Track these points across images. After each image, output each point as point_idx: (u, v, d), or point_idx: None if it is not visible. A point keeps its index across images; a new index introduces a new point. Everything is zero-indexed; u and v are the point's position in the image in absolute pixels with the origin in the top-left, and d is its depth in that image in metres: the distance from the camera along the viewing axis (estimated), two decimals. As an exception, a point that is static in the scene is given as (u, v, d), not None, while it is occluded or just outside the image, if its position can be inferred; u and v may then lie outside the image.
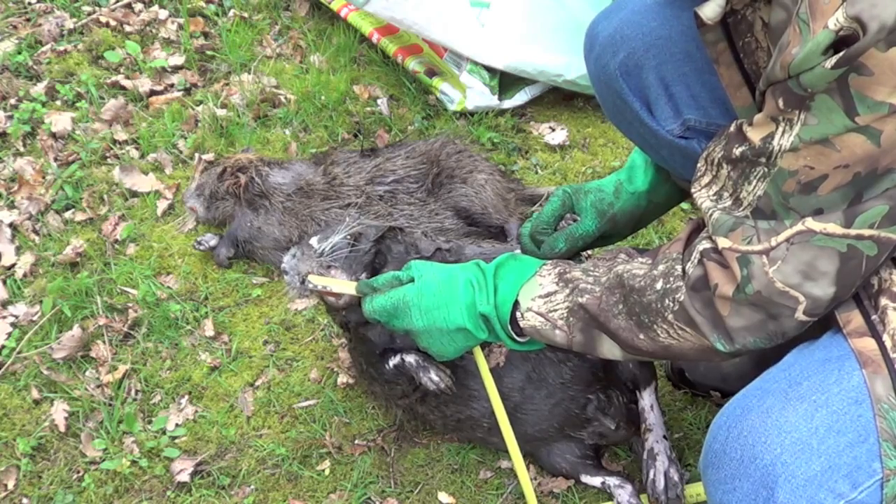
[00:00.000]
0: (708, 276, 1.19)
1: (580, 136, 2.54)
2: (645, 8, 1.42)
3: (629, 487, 1.71)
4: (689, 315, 1.21)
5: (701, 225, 1.29)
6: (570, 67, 2.48)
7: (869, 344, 1.16)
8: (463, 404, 1.73)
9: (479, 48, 2.47)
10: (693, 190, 1.27)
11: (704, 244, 1.21)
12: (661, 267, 1.27)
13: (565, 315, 1.35)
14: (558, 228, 1.65)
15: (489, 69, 2.52)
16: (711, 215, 1.21)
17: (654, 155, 1.54)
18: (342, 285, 1.59)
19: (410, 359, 1.67)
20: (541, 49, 2.48)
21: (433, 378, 1.64)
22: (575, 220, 1.63)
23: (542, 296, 1.37)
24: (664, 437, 1.69)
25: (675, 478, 1.65)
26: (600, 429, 1.72)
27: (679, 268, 1.24)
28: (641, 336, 1.28)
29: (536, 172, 2.44)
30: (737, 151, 1.16)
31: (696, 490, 1.69)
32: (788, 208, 1.11)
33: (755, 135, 1.12)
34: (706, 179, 1.25)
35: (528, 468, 1.82)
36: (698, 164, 1.27)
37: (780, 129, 1.08)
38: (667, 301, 1.23)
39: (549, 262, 1.43)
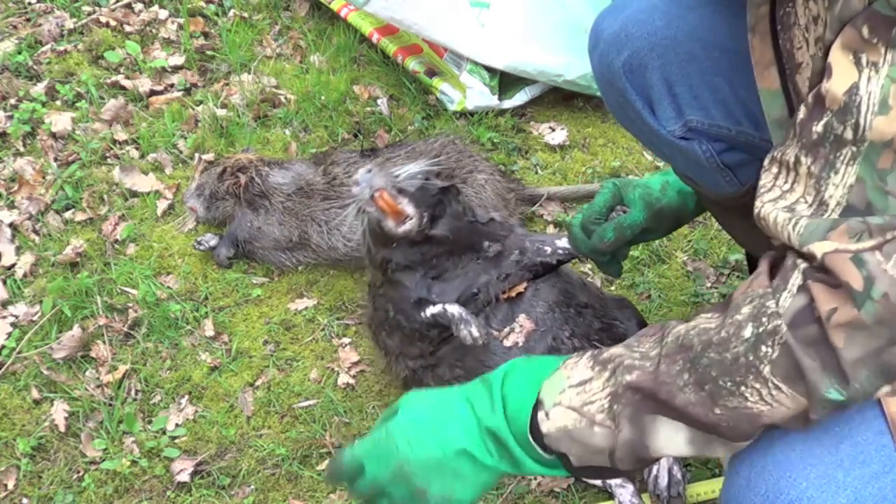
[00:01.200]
0: (815, 303, 0.95)
1: (580, 136, 2.54)
2: (650, 7, 1.42)
3: (630, 487, 1.71)
4: (796, 359, 0.96)
5: (779, 257, 1.05)
6: (570, 67, 2.48)
7: None
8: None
9: (479, 48, 2.47)
10: (758, 208, 1.07)
11: (802, 264, 0.98)
12: (745, 310, 1.01)
13: (607, 406, 1.07)
14: (609, 220, 1.66)
15: (489, 69, 2.52)
16: (795, 225, 0.99)
17: (656, 152, 1.54)
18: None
19: (454, 309, 1.67)
20: (541, 49, 2.48)
21: (473, 332, 1.64)
22: (625, 212, 1.65)
23: (573, 385, 1.10)
24: None
25: (678, 475, 1.65)
26: None
27: (772, 304, 0.99)
28: (718, 411, 1.02)
29: (536, 172, 2.44)
30: (818, 127, 0.99)
31: (696, 490, 1.69)
32: (886, 192, 0.94)
33: (838, 86, 0.96)
34: (777, 192, 1.05)
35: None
36: (762, 180, 1.08)
37: (866, 74, 0.94)
38: (763, 349, 0.98)
39: (575, 353, 1.16)
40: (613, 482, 1.71)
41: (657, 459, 1.12)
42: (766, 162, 1.08)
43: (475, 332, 1.64)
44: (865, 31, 0.94)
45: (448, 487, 1.13)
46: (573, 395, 1.10)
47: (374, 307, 1.85)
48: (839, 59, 0.97)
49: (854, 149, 0.95)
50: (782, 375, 0.98)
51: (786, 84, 1.16)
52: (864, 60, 0.95)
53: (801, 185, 1.02)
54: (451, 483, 1.13)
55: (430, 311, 1.70)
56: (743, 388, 1.00)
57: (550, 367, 1.14)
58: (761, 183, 1.07)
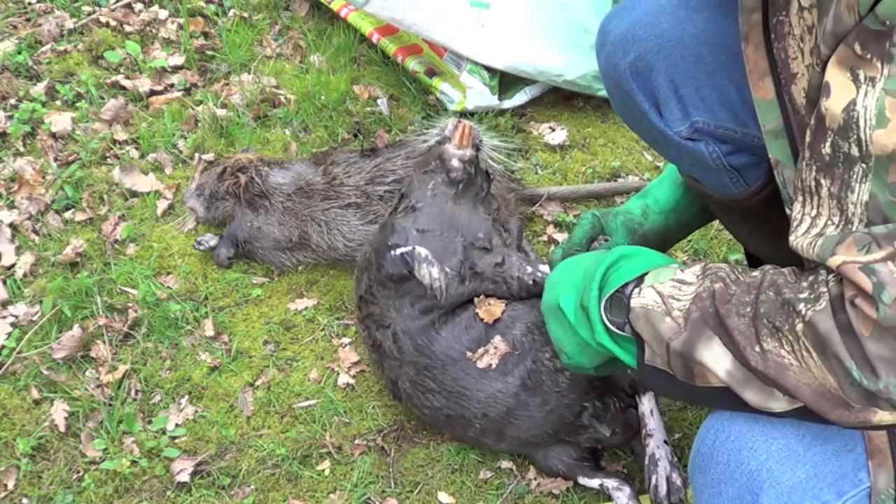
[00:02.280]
0: (845, 292, 1.01)
1: (580, 136, 2.54)
2: (658, 9, 1.42)
3: (627, 489, 1.71)
4: (824, 330, 1.01)
5: None
6: (570, 67, 2.48)
7: (881, 435, 1.12)
8: (454, 402, 1.73)
9: (479, 48, 2.47)
10: (791, 242, 1.10)
11: (830, 276, 1.05)
12: (811, 276, 1.08)
13: (686, 306, 1.17)
14: (590, 251, 1.64)
15: (489, 69, 2.52)
16: (815, 246, 1.04)
17: (662, 153, 1.54)
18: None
19: (421, 250, 1.74)
20: (541, 49, 2.48)
21: (434, 273, 1.71)
22: (606, 241, 1.64)
23: (674, 279, 1.22)
24: (665, 441, 1.69)
25: (678, 482, 1.65)
26: (596, 435, 1.73)
27: (824, 278, 1.05)
28: (757, 348, 1.09)
29: (536, 172, 2.44)
30: (826, 148, 1.01)
31: (696, 490, 1.69)
32: None
33: (836, 104, 0.98)
34: (807, 221, 1.08)
35: (526, 471, 1.82)
36: (794, 212, 1.11)
37: (863, 90, 0.95)
38: (801, 307, 1.04)
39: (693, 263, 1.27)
40: (610, 485, 1.72)
41: (703, 383, 1.16)
42: (793, 193, 1.12)
43: (435, 273, 1.71)
44: (857, 47, 0.95)
45: (556, 332, 1.42)
46: (669, 286, 1.21)
47: (362, 252, 1.95)
48: (836, 76, 0.98)
49: (864, 166, 0.97)
50: (812, 340, 1.02)
51: (781, 94, 1.16)
52: (861, 76, 0.96)
53: (825, 208, 1.05)
54: (557, 329, 1.41)
55: (400, 249, 1.76)
56: (779, 336, 1.06)
57: (670, 261, 1.31)
58: (793, 216, 1.11)
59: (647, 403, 1.72)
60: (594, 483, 1.74)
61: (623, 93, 1.46)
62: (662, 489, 1.65)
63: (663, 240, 1.68)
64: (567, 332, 1.39)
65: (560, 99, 2.63)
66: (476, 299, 1.77)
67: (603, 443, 1.75)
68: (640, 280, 1.26)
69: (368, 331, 1.84)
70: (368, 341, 1.86)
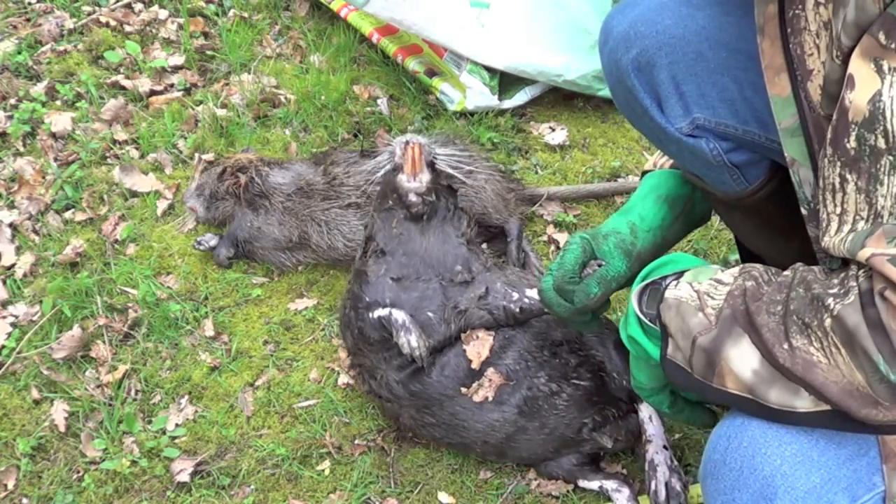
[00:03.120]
0: (874, 285, 1.00)
1: (580, 136, 2.54)
2: (660, 6, 1.42)
3: (626, 491, 1.71)
4: (853, 324, 1.00)
5: None
6: (570, 67, 2.48)
7: (895, 439, 1.12)
8: (454, 433, 1.74)
9: (479, 48, 2.47)
10: (824, 244, 1.09)
11: (860, 271, 1.05)
12: (842, 273, 1.08)
13: (720, 304, 1.17)
14: (583, 277, 1.54)
15: (489, 69, 2.52)
16: (845, 242, 1.04)
17: (663, 150, 1.54)
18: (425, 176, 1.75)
19: (399, 315, 1.67)
20: (541, 49, 2.48)
21: (412, 342, 1.65)
22: (600, 266, 1.54)
23: (713, 279, 1.22)
24: (664, 447, 1.69)
25: (678, 487, 1.65)
26: (597, 446, 1.73)
27: (854, 273, 1.05)
28: (786, 345, 1.08)
29: (536, 172, 2.44)
30: (851, 142, 1.00)
31: (698, 490, 1.69)
32: None
33: (861, 96, 0.96)
34: (835, 221, 1.07)
35: (526, 471, 1.82)
36: (821, 215, 1.10)
37: (888, 80, 0.94)
38: (830, 302, 1.04)
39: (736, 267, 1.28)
40: (610, 486, 1.72)
41: (720, 385, 1.16)
42: (819, 197, 1.11)
43: (413, 342, 1.65)
44: (882, 36, 0.93)
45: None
46: (707, 284, 1.21)
47: (342, 302, 1.91)
48: (860, 68, 0.97)
49: (891, 157, 0.96)
50: (840, 335, 1.01)
51: (797, 91, 1.15)
52: (885, 67, 0.95)
53: (851, 204, 1.04)
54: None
55: (378, 312, 1.72)
56: (808, 332, 1.05)
57: (704, 265, 1.31)
58: (821, 217, 1.10)
59: (645, 409, 1.72)
60: (594, 485, 1.74)
61: (625, 89, 1.46)
62: (661, 494, 1.65)
63: (654, 258, 1.64)
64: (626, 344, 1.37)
65: (560, 99, 2.63)
66: (463, 335, 1.72)
67: (606, 450, 1.76)
68: (679, 275, 1.28)
69: (363, 378, 1.85)
70: (364, 387, 1.86)
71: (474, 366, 1.69)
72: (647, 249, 1.56)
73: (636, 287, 1.33)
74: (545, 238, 2.28)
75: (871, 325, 0.98)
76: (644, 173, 1.65)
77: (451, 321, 1.72)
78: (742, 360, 1.13)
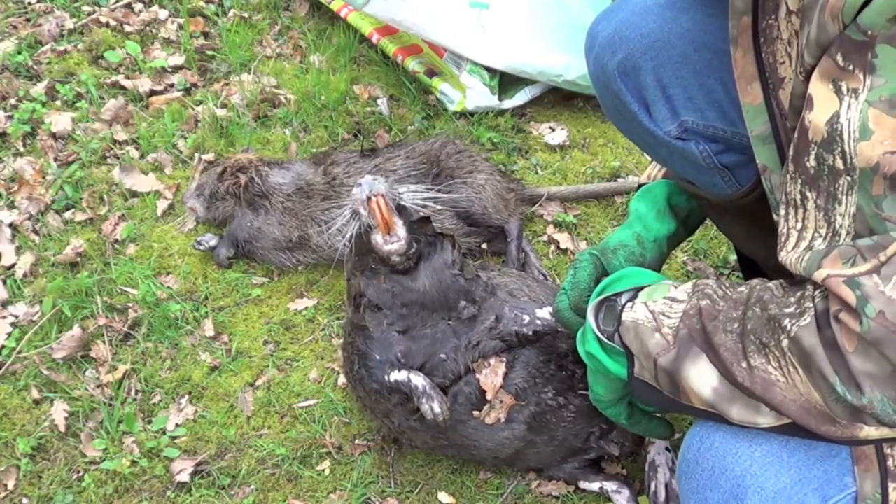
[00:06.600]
0: (830, 307, 1.00)
1: (580, 136, 2.54)
2: (644, 10, 1.42)
3: (626, 492, 1.71)
4: (809, 345, 1.01)
5: None
6: (570, 67, 2.48)
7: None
8: (465, 452, 1.74)
9: (479, 49, 2.47)
10: (781, 258, 1.10)
11: (817, 291, 1.05)
12: (798, 292, 1.07)
13: (675, 323, 1.18)
14: None
15: (489, 69, 2.52)
16: (802, 261, 1.04)
17: (653, 156, 1.54)
18: (398, 226, 1.61)
19: (418, 381, 1.60)
20: (541, 49, 2.48)
21: (435, 408, 1.59)
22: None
23: (667, 297, 1.23)
24: (666, 448, 1.70)
25: (678, 489, 1.65)
26: (604, 453, 1.73)
27: (810, 294, 1.05)
28: (744, 364, 1.09)
29: (536, 172, 2.44)
30: (811, 160, 1.01)
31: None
32: (883, 219, 0.95)
33: (820, 117, 0.97)
34: (794, 236, 1.08)
35: (526, 472, 1.82)
36: (780, 228, 1.11)
37: (846, 102, 0.95)
38: (787, 323, 1.04)
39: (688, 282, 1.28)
40: (610, 487, 1.72)
41: (687, 402, 1.17)
42: (780, 210, 1.11)
43: (436, 409, 1.59)
44: (840, 58, 0.94)
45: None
46: (661, 303, 1.22)
47: (346, 355, 1.79)
48: (819, 89, 0.98)
49: (849, 178, 0.97)
50: (797, 356, 1.02)
51: (769, 99, 1.16)
52: (843, 88, 0.95)
53: (811, 220, 1.04)
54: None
55: (395, 376, 1.63)
56: (766, 352, 1.06)
57: (658, 280, 1.32)
58: (780, 231, 1.11)
59: None
60: (594, 486, 1.74)
61: (612, 94, 1.46)
62: (661, 495, 1.66)
63: (660, 268, 1.66)
64: (570, 327, 1.40)
65: (560, 99, 2.63)
66: (474, 364, 1.66)
67: (612, 456, 1.76)
68: (634, 294, 1.27)
69: (376, 415, 1.79)
70: (376, 421, 1.83)
71: (489, 396, 1.64)
72: (655, 259, 1.57)
73: (592, 303, 1.32)
74: (545, 238, 2.28)
75: (828, 347, 0.99)
76: (640, 186, 1.66)
77: (465, 357, 1.66)
78: (701, 378, 1.14)
